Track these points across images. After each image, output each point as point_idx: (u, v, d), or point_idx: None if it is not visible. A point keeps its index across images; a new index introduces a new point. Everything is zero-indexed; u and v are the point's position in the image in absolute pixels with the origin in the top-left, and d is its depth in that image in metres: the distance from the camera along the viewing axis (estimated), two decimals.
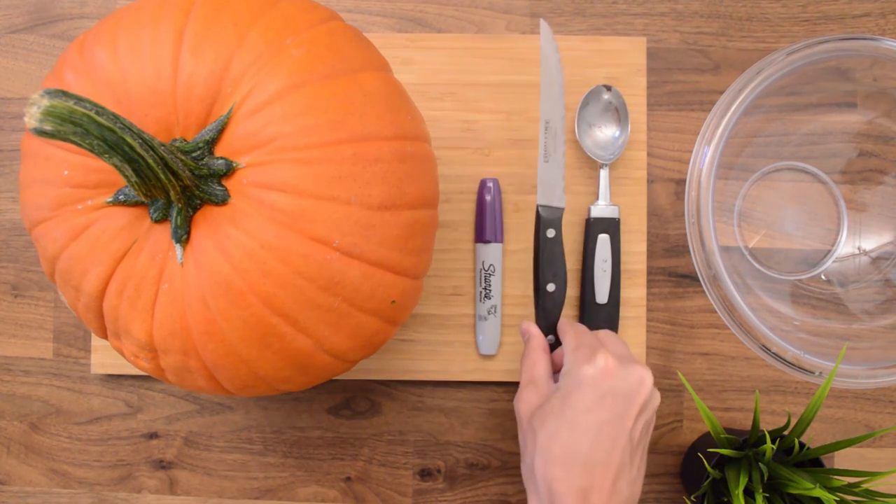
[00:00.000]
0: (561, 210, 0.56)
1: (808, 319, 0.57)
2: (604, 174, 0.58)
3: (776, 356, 0.49)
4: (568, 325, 0.52)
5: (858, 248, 0.58)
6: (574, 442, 0.43)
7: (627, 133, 0.58)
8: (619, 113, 0.59)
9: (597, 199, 0.58)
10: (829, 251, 0.59)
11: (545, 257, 0.55)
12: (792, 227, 0.60)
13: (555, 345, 0.55)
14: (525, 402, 0.48)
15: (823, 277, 0.59)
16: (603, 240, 0.57)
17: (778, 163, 0.59)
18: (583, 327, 0.51)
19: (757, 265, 0.58)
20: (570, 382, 0.46)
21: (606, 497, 0.43)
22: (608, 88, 0.58)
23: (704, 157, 0.50)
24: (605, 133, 0.59)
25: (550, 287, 0.55)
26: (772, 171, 0.59)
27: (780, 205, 0.59)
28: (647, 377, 0.45)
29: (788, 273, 0.59)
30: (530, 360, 0.50)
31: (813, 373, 0.49)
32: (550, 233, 0.55)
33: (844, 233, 0.59)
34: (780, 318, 0.56)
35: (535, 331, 0.52)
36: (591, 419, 0.44)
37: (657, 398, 0.47)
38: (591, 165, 0.59)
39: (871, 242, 0.59)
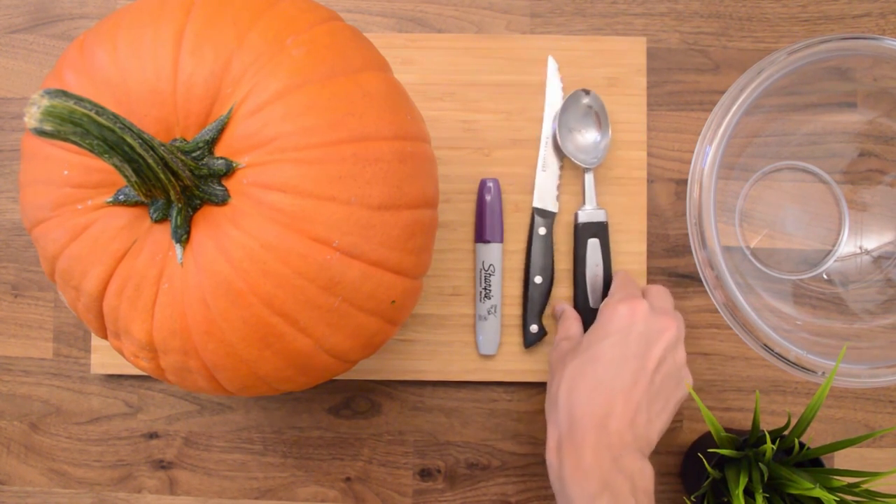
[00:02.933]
0: (553, 213, 0.58)
1: (809, 319, 0.57)
2: (588, 178, 0.58)
3: (778, 356, 0.49)
4: (623, 273, 0.56)
5: (860, 248, 0.58)
6: (598, 372, 0.47)
7: (609, 137, 0.58)
8: (599, 117, 0.59)
9: (583, 203, 0.58)
10: (830, 251, 0.59)
11: (535, 253, 0.58)
12: (793, 226, 0.60)
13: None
14: (558, 350, 0.53)
15: (825, 277, 0.58)
16: (593, 244, 0.57)
17: (779, 162, 0.59)
18: (632, 279, 0.55)
19: (758, 265, 0.58)
20: (603, 317, 0.50)
21: (625, 426, 0.45)
22: (587, 93, 0.58)
23: (706, 157, 0.50)
24: (587, 137, 0.59)
25: (538, 279, 0.57)
26: (773, 170, 0.59)
27: (781, 205, 0.59)
28: (672, 329, 0.49)
29: (790, 273, 0.59)
30: (566, 324, 0.55)
31: (815, 372, 0.49)
32: (542, 231, 0.58)
33: (846, 232, 0.59)
34: (781, 317, 0.56)
35: (569, 306, 0.57)
36: (616, 352, 0.47)
37: (681, 353, 0.49)
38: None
39: (873, 242, 0.59)
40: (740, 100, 0.49)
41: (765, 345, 0.49)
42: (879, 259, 0.58)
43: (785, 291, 0.59)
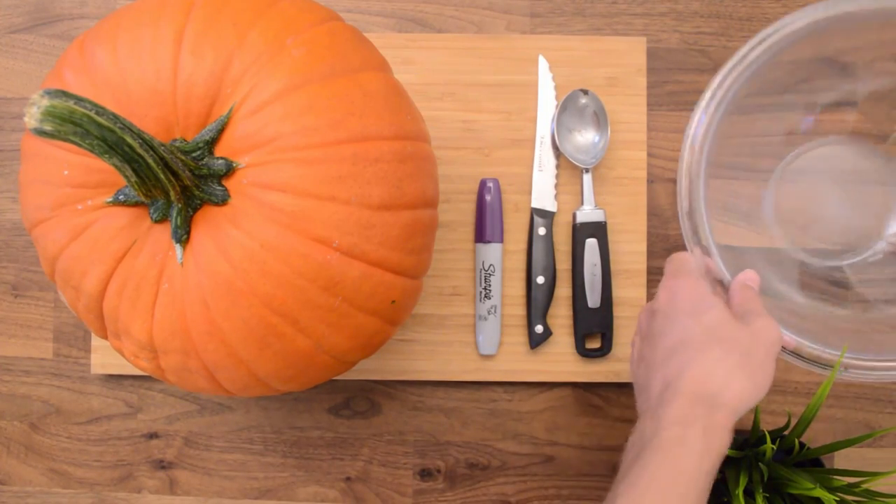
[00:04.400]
0: (552, 213, 0.58)
1: (820, 308, 0.55)
2: (587, 178, 0.58)
3: (792, 353, 0.48)
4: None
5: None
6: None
7: (608, 137, 0.58)
8: (597, 117, 0.59)
9: (581, 203, 0.58)
10: (878, 234, 0.57)
11: (536, 253, 0.58)
12: (834, 209, 0.57)
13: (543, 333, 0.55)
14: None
15: (845, 265, 0.57)
16: (591, 244, 0.57)
17: (826, 138, 0.56)
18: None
19: (790, 249, 0.55)
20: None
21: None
22: (585, 93, 0.58)
23: (698, 128, 0.48)
24: (586, 137, 0.59)
25: (540, 280, 0.57)
26: (820, 145, 0.56)
27: (813, 196, 0.57)
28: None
29: (816, 256, 0.57)
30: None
31: (831, 367, 0.47)
32: (542, 231, 0.58)
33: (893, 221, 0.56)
34: (791, 311, 0.54)
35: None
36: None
37: None
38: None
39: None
40: (751, 56, 0.47)
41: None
42: None
43: (792, 280, 0.57)
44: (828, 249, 0.58)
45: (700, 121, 0.48)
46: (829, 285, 0.57)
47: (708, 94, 0.49)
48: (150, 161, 0.37)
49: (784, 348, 0.47)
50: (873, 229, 0.57)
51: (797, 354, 0.48)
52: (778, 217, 0.58)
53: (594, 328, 0.58)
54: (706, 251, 0.48)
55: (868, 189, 0.57)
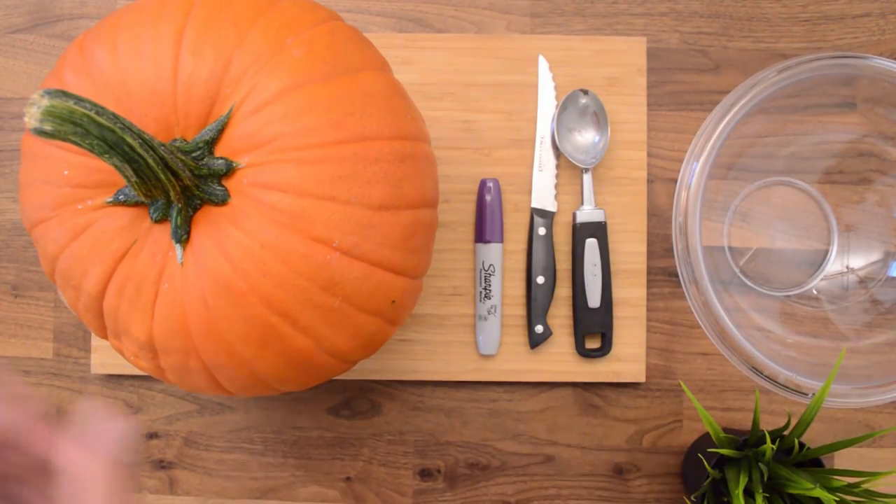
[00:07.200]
0: (552, 213, 0.58)
1: (798, 338, 0.57)
2: (587, 178, 0.58)
3: (767, 378, 0.49)
4: None
5: (846, 267, 0.58)
6: None
7: (608, 137, 0.58)
8: (597, 117, 0.59)
9: (581, 203, 0.58)
10: (817, 270, 0.59)
11: (536, 253, 0.58)
12: (782, 242, 0.59)
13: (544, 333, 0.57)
14: None
15: (815, 292, 0.58)
16: (591, 244, 0.58)
17: (769, 178, 0.59)
18: None
19: (748, 282, 0.58)
20: None
21: None
22: (585, 93, 0.58)
23: (692, 175, 0.49)
24: (586, 137, 0.59)
25: (540, 280, 0.57)
26: (761, 186, 0.59)
27: (769, 221, 0.59)
28: None
29: (778, 289, 0.59)
30: None
31: (805, 394, 0.49)
32: (542, 231, 0.58)
33: (834, 250, 0.59)
34: (771, 337, 0.56)
35: None
36: None
37: None
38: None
39: (860, 261, 0.59)
40: (726, 119, 0.49)
41: (753, 367, 0.49)
42: (865, 279, 0.58)
43: (773, 309, 0.58)
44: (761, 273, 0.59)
45: (693, 169, 0.50)
46: (809, 320, 0.58)
47: (699, 143, 0.50)
48: (150, 161, 0.37)
49: (761, 373, 0.49)
50: (812, 260, 0.59)
51: (774, 381, 0.49)
52: (731, 226, 0.59)
53: (594, 328, 0.58)
54: (700, 278, 0.49)
55: (809, 224, 0.59)
